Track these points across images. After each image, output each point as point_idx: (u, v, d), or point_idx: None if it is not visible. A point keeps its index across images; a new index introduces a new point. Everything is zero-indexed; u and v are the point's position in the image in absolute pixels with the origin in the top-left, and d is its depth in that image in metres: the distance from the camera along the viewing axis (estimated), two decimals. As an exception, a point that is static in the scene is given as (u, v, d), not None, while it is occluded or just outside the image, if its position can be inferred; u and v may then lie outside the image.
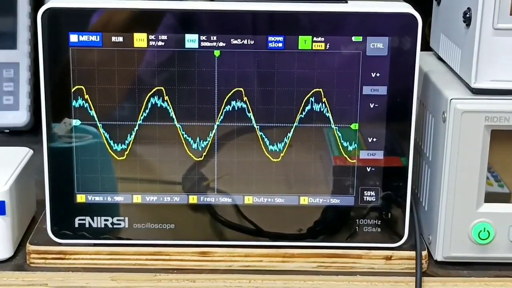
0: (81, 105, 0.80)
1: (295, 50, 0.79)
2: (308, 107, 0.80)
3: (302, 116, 0.81)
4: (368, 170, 0.82)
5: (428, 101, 0.86)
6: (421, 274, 0.81)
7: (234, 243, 0.83)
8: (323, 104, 0.80)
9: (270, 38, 0.79)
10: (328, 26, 0.79)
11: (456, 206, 0.81)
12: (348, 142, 0.81)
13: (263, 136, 0.81)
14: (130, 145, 0.81)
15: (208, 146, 0.82)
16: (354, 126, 0.81)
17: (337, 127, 0.81)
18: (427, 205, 0.86)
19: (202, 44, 0.79)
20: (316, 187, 0.83)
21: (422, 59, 0.83)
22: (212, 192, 0.83)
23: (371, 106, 0.80)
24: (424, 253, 0.83)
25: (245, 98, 0.80)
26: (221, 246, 0.83)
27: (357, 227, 0.83)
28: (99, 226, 0.83)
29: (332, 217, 0.84)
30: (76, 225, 0.83)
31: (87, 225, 0.83)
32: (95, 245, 0.83)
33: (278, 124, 0.81)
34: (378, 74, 0.79)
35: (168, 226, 0.83)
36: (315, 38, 0.79)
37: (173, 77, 0.80)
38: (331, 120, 0.81)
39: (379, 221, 0.83)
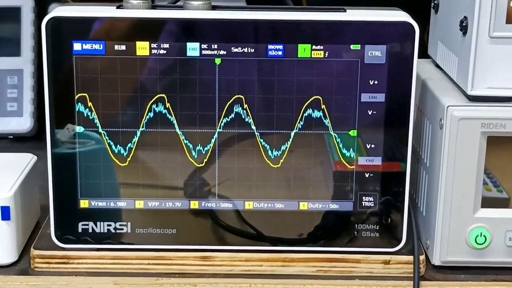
0: (85, 112, 0.81)
1: (295, 58, 0.80)
2: (307, 114, 0.81)
3: (302, 123, 0.81)
4: (367, 175, 0.83)
5: (426, 107, 0.87)
6: (418, 279, 0.82)
7: (235, 248, 0.84)
8: (322, 111, 0.81)
9: (270, 47, 0.79)
10: (327, 35, 0.79)
11: (453, 211, 0.82)
12: (346, 148, 0.82)
13: (263, 142, 0.82)
14: (133, 151, 0.82)
15: (209, 152, 0.82)
16: (353, 132, 0.82)
17: (336, 134, 0.82)
18: (425, 210, 0.87)
19: (203, 52, 0.80)
20: (316, 193, 0.83)
21: (420, 66, 0.84)
22: (213, 197, 0.84)
23: (370, 113, 0.81)
24: (422, 257, 0.83)
25: (245, 105, 0.81)
26: (222, 250, 0.84)
27: (356, 232, 0.84)
28: (102, 231, 0.84)
29: (331, 222, 0.84)
30: (80, 230, 0.84)
31: (90, 230, 0.84)
32: (98, 249, 0.84)
33: (278, 131, 0.82)
34: (376, 82, 0.80)
35: (170, 231, 0.84)
36: (314, 47, 0.80)
37: (174, 85, 0.81)
38: (330, 127, 0.82)
39: (378, 226, 0.84)
